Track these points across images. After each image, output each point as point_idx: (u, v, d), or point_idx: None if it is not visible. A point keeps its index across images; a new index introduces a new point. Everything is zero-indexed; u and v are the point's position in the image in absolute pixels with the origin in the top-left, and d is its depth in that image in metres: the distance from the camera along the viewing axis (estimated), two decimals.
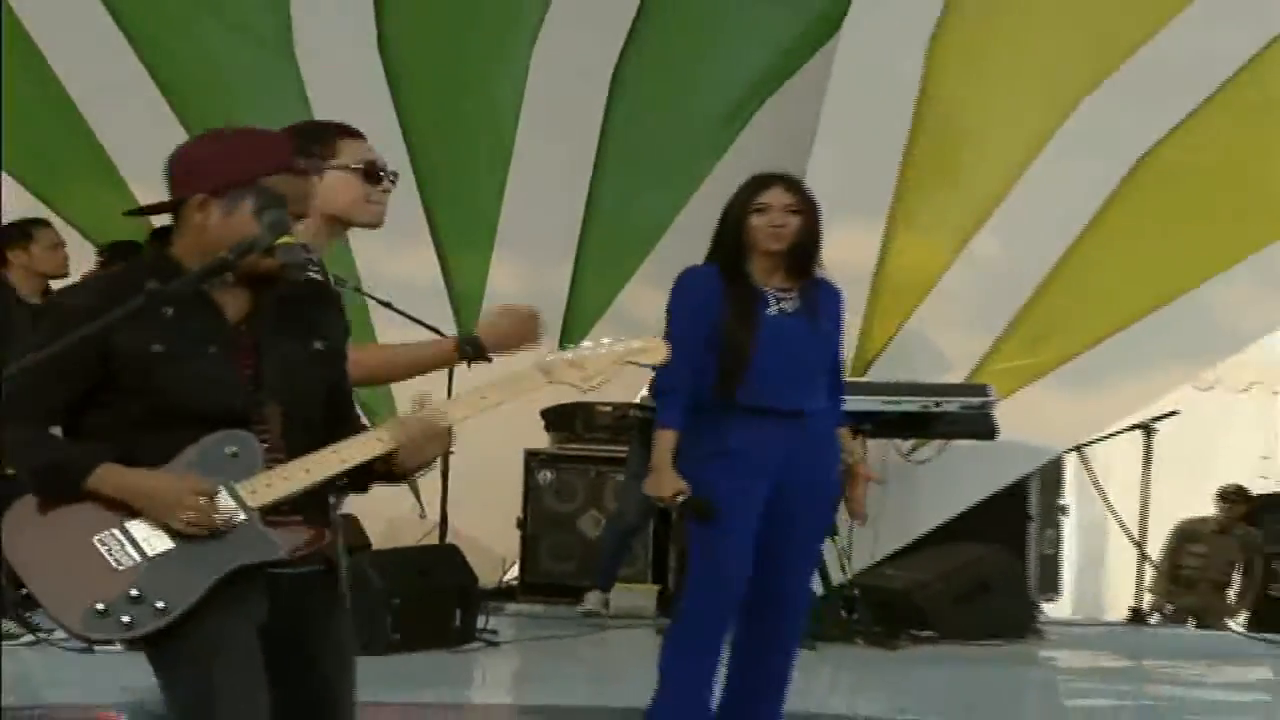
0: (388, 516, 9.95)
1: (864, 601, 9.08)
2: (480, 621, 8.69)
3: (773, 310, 5.30)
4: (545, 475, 10.27)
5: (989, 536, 9.46)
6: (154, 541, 3.19)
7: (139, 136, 10.25)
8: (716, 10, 10.99)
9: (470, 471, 9.74)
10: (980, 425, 8.53)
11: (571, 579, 9.90)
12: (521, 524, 10.13)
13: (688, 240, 9.32)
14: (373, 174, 4.30)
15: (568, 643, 9.19)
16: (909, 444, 9.27)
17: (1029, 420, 9.25)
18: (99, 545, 3.19)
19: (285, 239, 3.17)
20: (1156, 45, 9.88)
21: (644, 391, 8.53)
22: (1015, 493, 9.82)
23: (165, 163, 3.31)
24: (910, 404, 8.88)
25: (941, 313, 10.06)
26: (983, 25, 10.48)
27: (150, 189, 9.35)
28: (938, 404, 8.86)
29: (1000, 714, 7.75)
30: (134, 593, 3.15)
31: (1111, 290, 9.73)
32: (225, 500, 3.20)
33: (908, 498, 9.28)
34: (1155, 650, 9.96)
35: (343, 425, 3.41)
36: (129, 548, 3.19)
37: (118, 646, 3.30)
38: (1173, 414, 11.22)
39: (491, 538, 10.39)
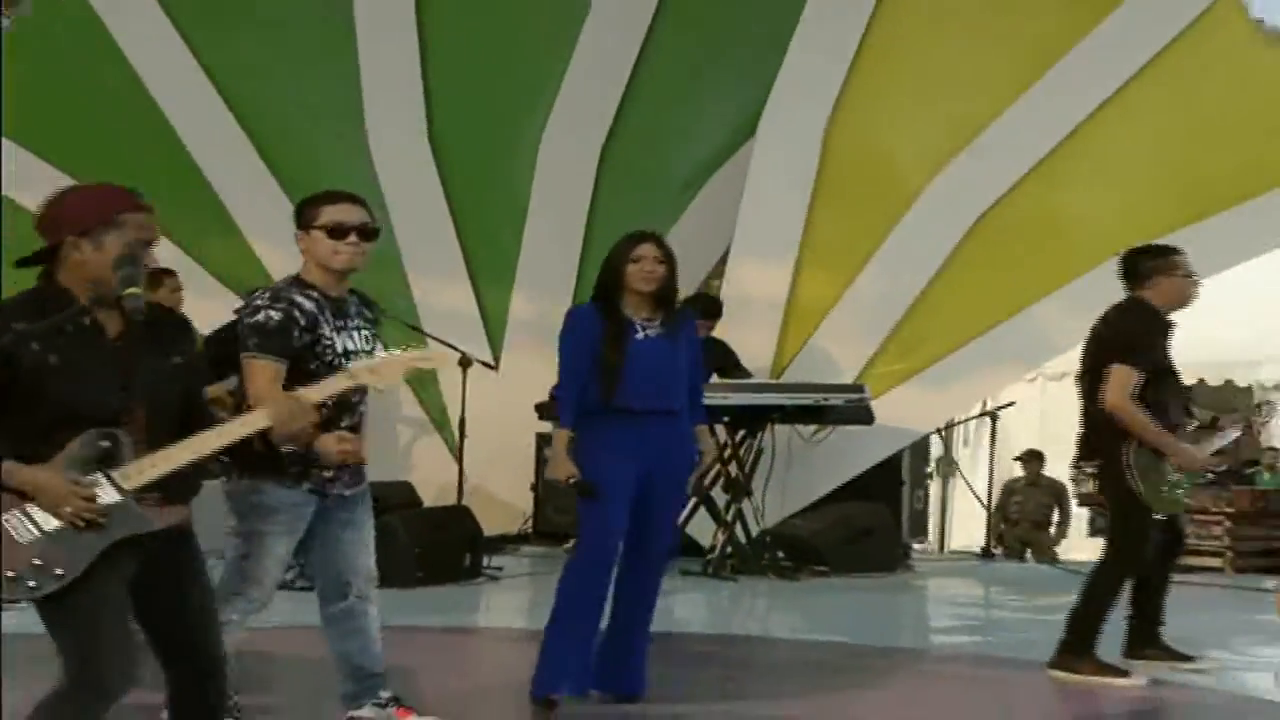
0: (438, 483, 10.98)
1: (775, 546, 9.98)
2: (485, 562, 9.74)
3: (640, 335, 5.84)
4: (549, 451, 10.93)
5: (873, 496, 10.42)
6: (50, 520, 3.51)
7: (250, 198, 11.30)
8: (689, 98, 11.48)
9: (497, 450, 11.09)
10: (861, 414, 9.47)
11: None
12: (534, 487, 11.12)
13: (695, 258, 10.67)
14: (335, 231, 4.90)
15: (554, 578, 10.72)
16: (810, 429, 10.14)
17: (900, 411, 10.08)
18: (7, 524, 3.52)
19: (132, 290, 3.48)
20: (1006, 116, 10.40)
21: None
22: (891, 463, 10.74)
23: (34, 218, 3.65)
24: (807, 399, 9.74)
25: (836, 329, 10.79)
26: (891, 66, 10.84)
27: (263, 242, 10.15)
28: (827, 399, 9.68)
29: (880, 630, 8.27)
30: (37, 562, 3.48)
31: (965, 309, 10.43)
32: (105, 487, 3.54)
33: (809, 469, 10.31)
34: (998, 578, 10.68)
35: (198, 422, 3.73)
36: (30, 525, 3.51)
37: (24, 605, 3.59)
38: (1011, 404, 12.29)
39: (513, 498, 11.44)
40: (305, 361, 4.95)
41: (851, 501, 10.27)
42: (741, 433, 9.90)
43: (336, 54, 11.31)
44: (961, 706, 6.73)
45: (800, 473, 10.32)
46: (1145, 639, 6.85)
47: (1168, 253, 6.80)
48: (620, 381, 5.76)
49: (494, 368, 11.35)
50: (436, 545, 9.55)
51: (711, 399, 8.54)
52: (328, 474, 4.99)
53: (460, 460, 10.91)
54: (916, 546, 11.58)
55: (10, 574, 3.46)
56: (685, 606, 9.18)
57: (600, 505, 5.75)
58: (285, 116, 11.49)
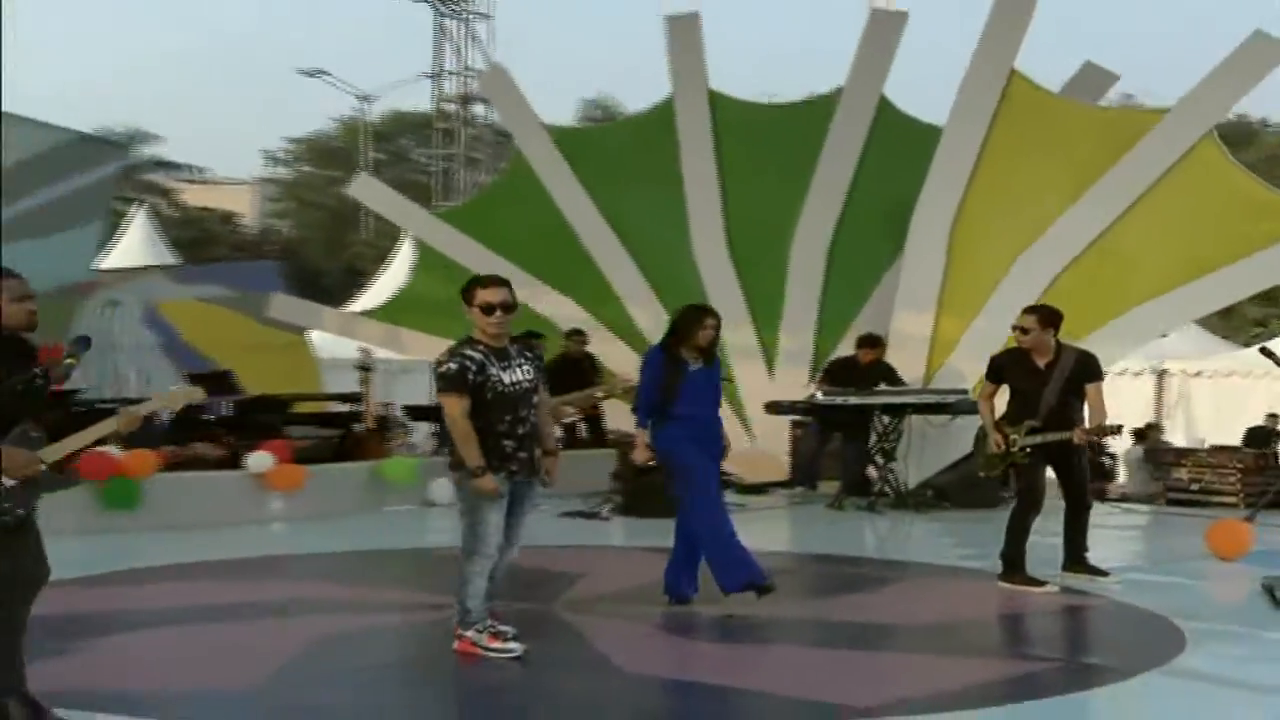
0: (734, 451, 10.81)
1: (920, 491, 11.25)
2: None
3: (692, 367, 6.64)
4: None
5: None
6: (5, 480, 4.17)
7: (627, 282, 13.68)
8: (883, 203, 12.73)
9: (767, 425, 12.52)
10: (969, 408, 10.06)
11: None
12: (790, 453, 12.43)
13: (878, 313, 12.64)
14: (486, 309, 5.48)
15: (784, 512, 11.43)
16: (940, 418, 11.18)
17: None
18: None
19: (70, 360, 4.40)
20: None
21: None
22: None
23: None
24: (931, 398, 11.18)
25: (960, 355, 12.04)
26: (994, 180, 12.12)
27: (635, 307, 13.73)
28: (945, 398, 11.05)
29: (982, 552, 8.30)
30: (6, 504, 4.16)
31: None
32: (38, 457, 4.25)
33: (936, 446, 11.47)
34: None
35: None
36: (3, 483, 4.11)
37: None
38: None
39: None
40: (483, 392, 5.46)
41: (965, 463, 10.70)
42: (891, 420, 11.12)
43: (671, 193, 13.53)
44: (929, 600, 7.43)
45: (933, 449, 11.49)
46: (1073, 559, 7.58)
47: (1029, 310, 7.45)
48: (677, 397, 6.61)
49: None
50: (638, 489, 10.32)
51: (873, 400, 10.86)
52: (513, 468, 5.56)
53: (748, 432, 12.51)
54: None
55: None
56: (844, 531, 10.15)
57: (697, 469, 6.58)
58: (645, 232, 13.79)
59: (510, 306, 5.40)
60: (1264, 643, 6.37)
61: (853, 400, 11.01)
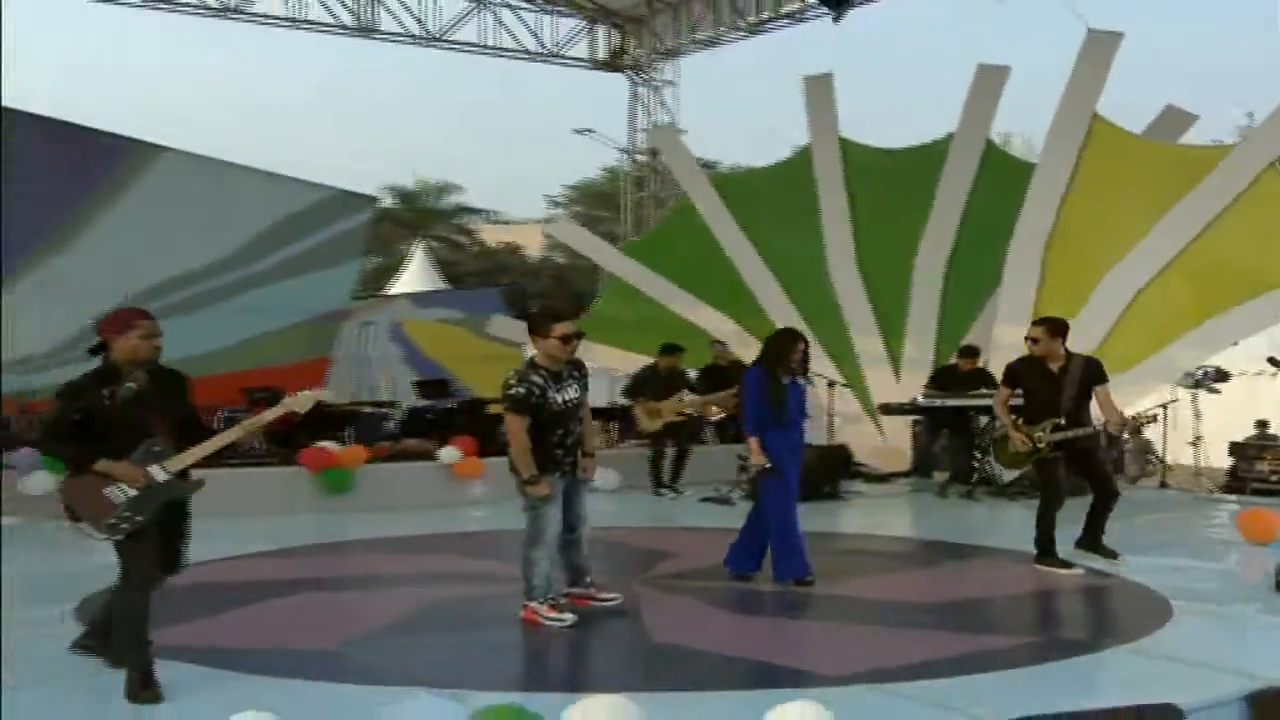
0: (869, 446, 13.46)
1: (1011, 484, 10.39)
2: (844, 487, 11.23)
3: (786, 382, 6.88)
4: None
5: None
6: (129, 490, 4.35)
7: (779, 310, 14.07)
8: (999, 200, 13.00)
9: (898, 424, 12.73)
10: None
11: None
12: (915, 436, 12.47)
13: (989, 324, 12.80)
14: (565, 339, 5.73)
15: (891, 500, 11.77)
16: None
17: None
18: (106, 493, 4.36)
19: (129, 385, 4.41)
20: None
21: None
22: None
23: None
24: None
25: None
26: (1084, 207, 12.42)
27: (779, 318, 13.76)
28: None
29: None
30: (125, 513, 4.34)
31: (1131, 348, 11.85)
32: (157, 471, 4.42)
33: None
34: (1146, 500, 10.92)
35: (196, 436, 4.57)
36: (119, 493, 4.34)
37: (118, 537, 4.45)
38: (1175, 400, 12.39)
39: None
40: (541, 412, 5.76)
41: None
42: (988, 419, 9.95)
43: (810, 225, 14.37)
44: (959, 581, 7.50)
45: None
46: (1091, 540, 7.61)
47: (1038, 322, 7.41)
48: (782, 409, 6.84)
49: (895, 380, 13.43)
50: (812, 470, 9.83)
51: (958, 403, 11.37)
52: (564, 469, 5.87)
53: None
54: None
55: (111, 521, 4.37)
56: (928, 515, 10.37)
57: (788, 471, 6.92)
58: (788, 258, 14.61)
59: (581, 335, 5.74)
60: (1240, 624, 6.20)
61: (940, 402, 11.70)
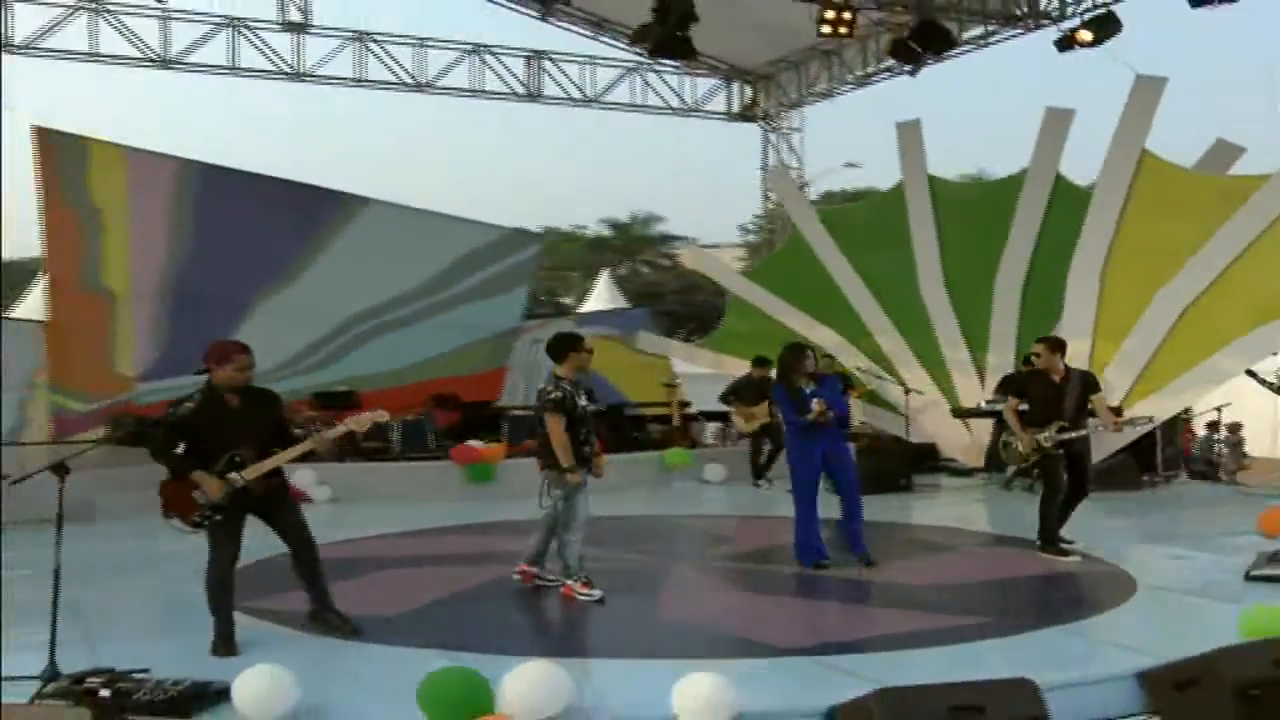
0: (960, 443, 13.86)
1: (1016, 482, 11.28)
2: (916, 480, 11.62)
3: (806, 392, 7.27)
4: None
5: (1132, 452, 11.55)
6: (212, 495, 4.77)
7: (878, 322, 14.47)
8: (1069, 227, 13.16)
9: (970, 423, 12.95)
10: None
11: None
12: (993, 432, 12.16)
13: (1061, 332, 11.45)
14: (591, 351, 6.30)
15: (959, 492, 12.17)
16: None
17: (1146, 410, 10.58)
18: (194, 495, 4.87)
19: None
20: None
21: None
22: (1147, 437, 11.60)
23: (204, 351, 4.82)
24: None
25: (1113, 373, 12.36)
26: (1130, 240, 12.74)
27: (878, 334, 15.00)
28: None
29: (1085, 530, 8.01)
30: (207, 513, 4.85)
31: (1175, 363, 12.08)
32: (235, 478, 4.84)
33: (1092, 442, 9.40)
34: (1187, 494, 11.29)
35: (283, 444, 4.95)
36: (203, 495, 4.86)
37: (201, 530, 4.87)
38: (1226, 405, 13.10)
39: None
40: (572, 415, 6.27)
41: (1121, 454, 11.57)
42: None
43: (904, 252, 14.70)
44: (966, 566, 7.61)
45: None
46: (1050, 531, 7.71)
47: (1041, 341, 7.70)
48: (802, 410, 7.23)
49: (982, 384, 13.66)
50: (879, 463, 11.36)
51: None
52: (586, 465, 6.31)
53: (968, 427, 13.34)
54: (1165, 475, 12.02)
55: (198, 517, 4.93)
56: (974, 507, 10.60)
57: (808, 470, 7.27)
58: (885, 280, 14.84)
59: (592, 351, 6.33)
60: (1188, 612, 6.12)
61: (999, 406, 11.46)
